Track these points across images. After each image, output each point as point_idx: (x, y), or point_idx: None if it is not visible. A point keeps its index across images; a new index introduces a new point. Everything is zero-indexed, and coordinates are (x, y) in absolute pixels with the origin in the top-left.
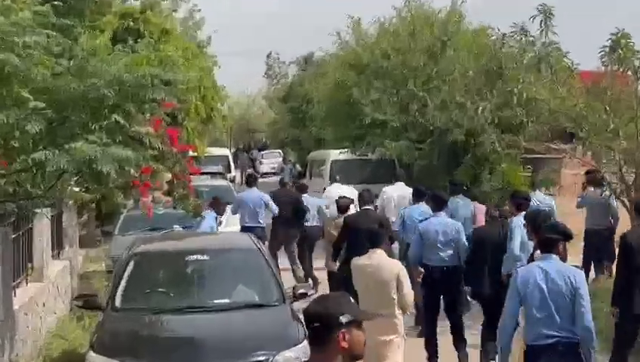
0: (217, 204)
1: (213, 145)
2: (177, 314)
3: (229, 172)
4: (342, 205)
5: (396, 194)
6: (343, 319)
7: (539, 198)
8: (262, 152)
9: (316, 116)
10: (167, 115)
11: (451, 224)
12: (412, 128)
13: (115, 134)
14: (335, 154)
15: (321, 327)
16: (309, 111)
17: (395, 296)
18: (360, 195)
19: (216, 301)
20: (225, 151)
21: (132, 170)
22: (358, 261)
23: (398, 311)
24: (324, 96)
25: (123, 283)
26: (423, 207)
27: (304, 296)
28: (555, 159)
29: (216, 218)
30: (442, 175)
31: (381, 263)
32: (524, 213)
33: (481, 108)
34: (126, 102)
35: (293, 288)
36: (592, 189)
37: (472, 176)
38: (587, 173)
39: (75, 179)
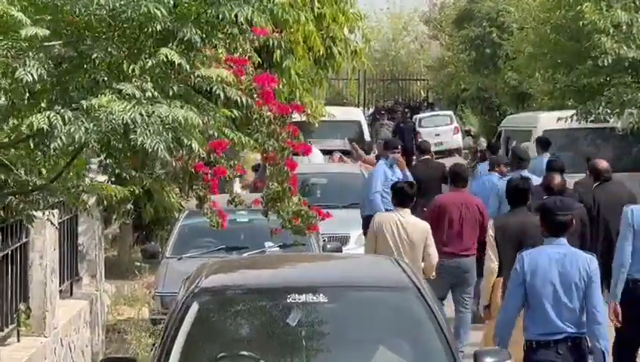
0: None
1: (334, 103)
2: None
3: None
4: None
5: None
6: None
7: None
8: (418, 116)
9: (516, 54)
10: (257, 50)
11: None
12: None
13: (167, 82)
14: (549, 121)
15: None
16: (502, 46)
17: None
18: None
19: None
20: (355, 114)
21: (195, 145)
22: None
23: None
24: (530, 17)
25: (180, 341)
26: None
27: None
28: None
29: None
30: None
31: None
32: None
33: None
34: (185, 27)
35: (475, 356)
36: None
37: None
38: None
39: (100, 160)
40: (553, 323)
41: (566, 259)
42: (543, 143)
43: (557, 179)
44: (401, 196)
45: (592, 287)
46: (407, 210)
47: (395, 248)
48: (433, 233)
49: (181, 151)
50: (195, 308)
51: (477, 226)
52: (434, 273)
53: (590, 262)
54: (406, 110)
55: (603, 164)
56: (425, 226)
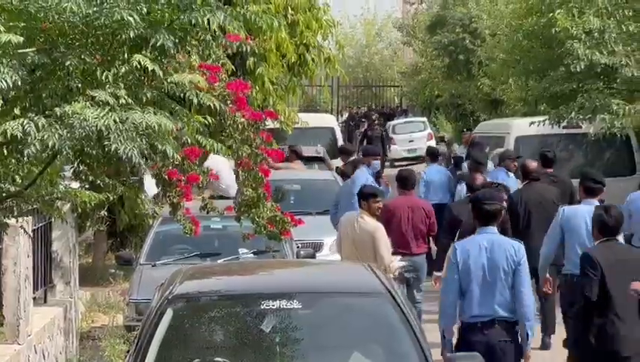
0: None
1: (307, 110)
2: None
3: (335, 157)
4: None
5: None
6: None
7: None
8: (392, 122)
9: (489, 60)
10: (230, 57)
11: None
12: None
13: (140, 88)
14: (522, 127)
15: None
16: (475, 52)
17: None
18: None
19: None
20: (328, 121)
21: (171, 151)
22: None
23: None
24: (503, 24)
25: (154, 347)
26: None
27: None
28: None
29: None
30: None
31: None
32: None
33: None
34: (158, 33)
35: (448, 361)
36: None
37: None
38: None
39: (73, 167)
40: (482, 307)
41: (494, 246)
42: (432, 154)
43: (479, 179)
44: (361, 197)
45: (519, 272)
46: (366, 211)
47: (351, 247)
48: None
49: (155, 158)
50: (169, 314)
51: (425, 226)
52: (394, 273)
53: (517, 248)
54: (374, 118)
55: (532, 164)
56: (372, 226)
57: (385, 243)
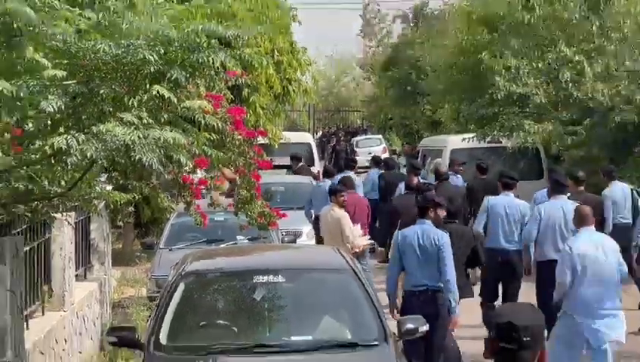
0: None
1: (289, 129)
2: (243, 356)
3: (312, 165)
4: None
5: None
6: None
7: None
8: (355, 138)
9: (431, 90)
10: (230, 88)
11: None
12: (563, 105)
13: (159, 112)
14: (456, 142)
15: (531, 342)
16: (420, 83)
17: None
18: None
19: (294, 338)
20: (306, 138)
21: (184, 159)
22: None
23: None
24: (441, 62)
25: (170, 313)
26: None
27: (413, 332)
28: None
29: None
30: None
31: None
32: None
33: None
34: (172, 69)
35: (399, 323)
36: None
37: None
38: None
39: (107, 173)
40: (416, 279)
41: (424, 234)
42: (376, 161)
43: (414, 180)
44: (330, 193)
45: (442, 254)
46: (336, 204)
47: (327, 233)
48: None
49: (172, 166)
50: (182, 287)
51: (365, 217)
52: (357, 249)
53: (440, 235)
54: (340, 135)
55: (443, 168)
56: (339, 215)
57: (349, 227)
